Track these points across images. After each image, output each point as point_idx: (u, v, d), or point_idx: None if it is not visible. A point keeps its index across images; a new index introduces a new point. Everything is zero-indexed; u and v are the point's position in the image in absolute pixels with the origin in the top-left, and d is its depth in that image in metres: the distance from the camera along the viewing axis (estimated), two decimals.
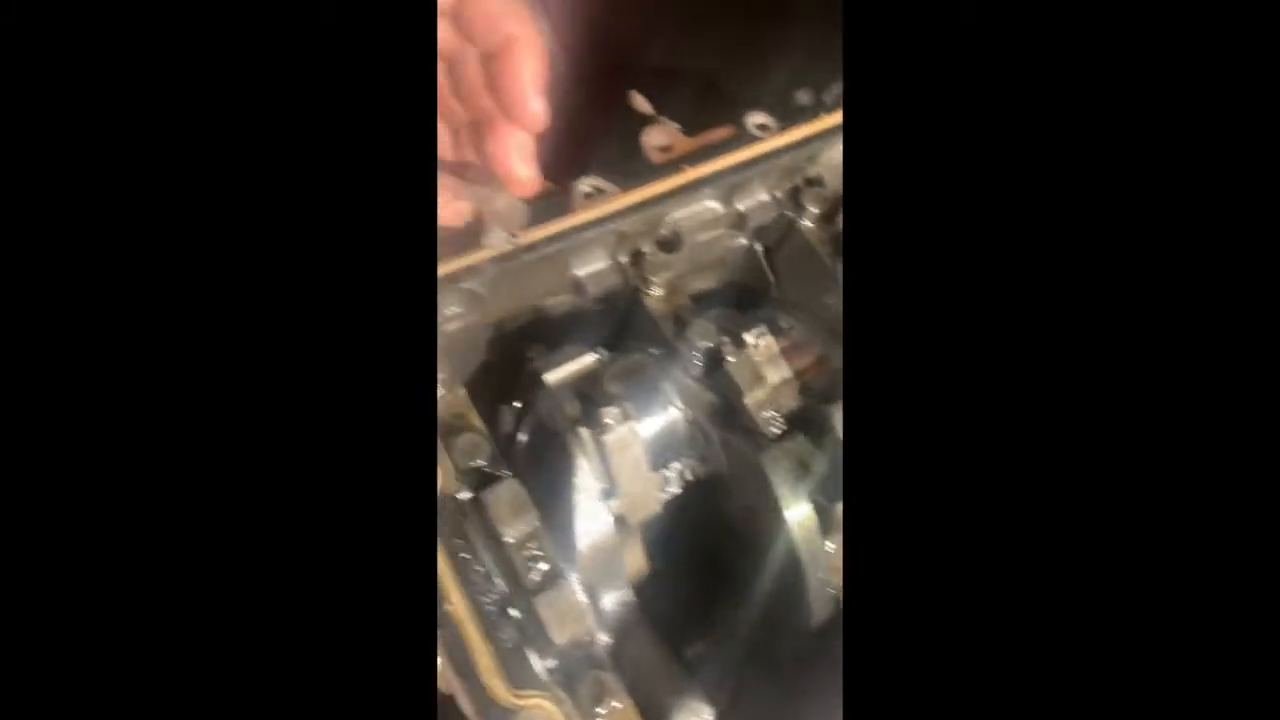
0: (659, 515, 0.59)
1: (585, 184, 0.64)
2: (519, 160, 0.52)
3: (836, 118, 0.70)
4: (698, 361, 0.62)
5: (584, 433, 0.55)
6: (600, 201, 0.64)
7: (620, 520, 0.57)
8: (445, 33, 0.49)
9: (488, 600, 0.48)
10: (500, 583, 0.49)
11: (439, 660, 0.51)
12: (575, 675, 0.49)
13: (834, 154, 0.71)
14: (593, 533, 0.55)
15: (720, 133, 0.70)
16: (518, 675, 0.46)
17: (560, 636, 0.48)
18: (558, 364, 0.59)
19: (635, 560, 0.61)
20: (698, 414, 0.60)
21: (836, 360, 0.63)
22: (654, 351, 0.62)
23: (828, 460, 0.58)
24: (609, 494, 0.56)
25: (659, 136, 0.69)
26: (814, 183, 0.70)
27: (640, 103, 0.74)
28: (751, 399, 0.58)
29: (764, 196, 0.71)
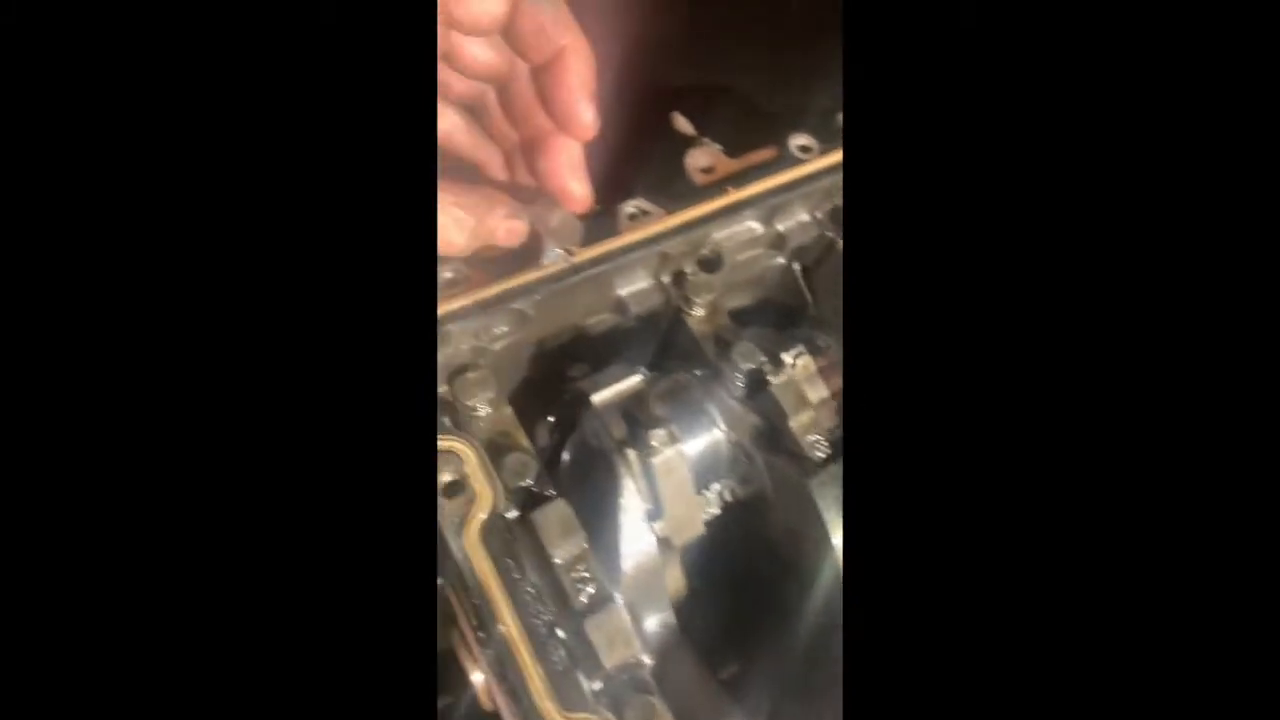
0: (701, 536, 0.59)
1: (630, 205, 0.65)
2: (572, 176, 0.53)
3: None
4: (740, 382, 0.62)
5: (630, 454, 0.56)
6: (645, 223, 0.64)
7: (665, 542, 0.57)
8: (494, 53, 0.50)
9: (539, 622, 0.48)
10: (549, 604, 0.50)
11: (486, 679, 0.52)
12: (621, 698, 0.49)
13: None
14: (637, 554, 0.55)
15: (763, 154, 0.70)
16: (568, 697, 0.47)
17: (610, 660, 0.48)
18: (603, 384, 0.59)
19: (674, 581, 0.61)
20: (741, 435, 0.60)
21: None
22: (697, 372, 0.62)
23: None
24: (654, 515, 0.56)
25: (702, 158, 0.70)
26: None
27: (682, 124, 0.75)
28: (797, 422, 0.58)
29: (804, 217, 0.71)
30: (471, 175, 0.55)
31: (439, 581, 0.56)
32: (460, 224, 0.48)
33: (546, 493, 0.55)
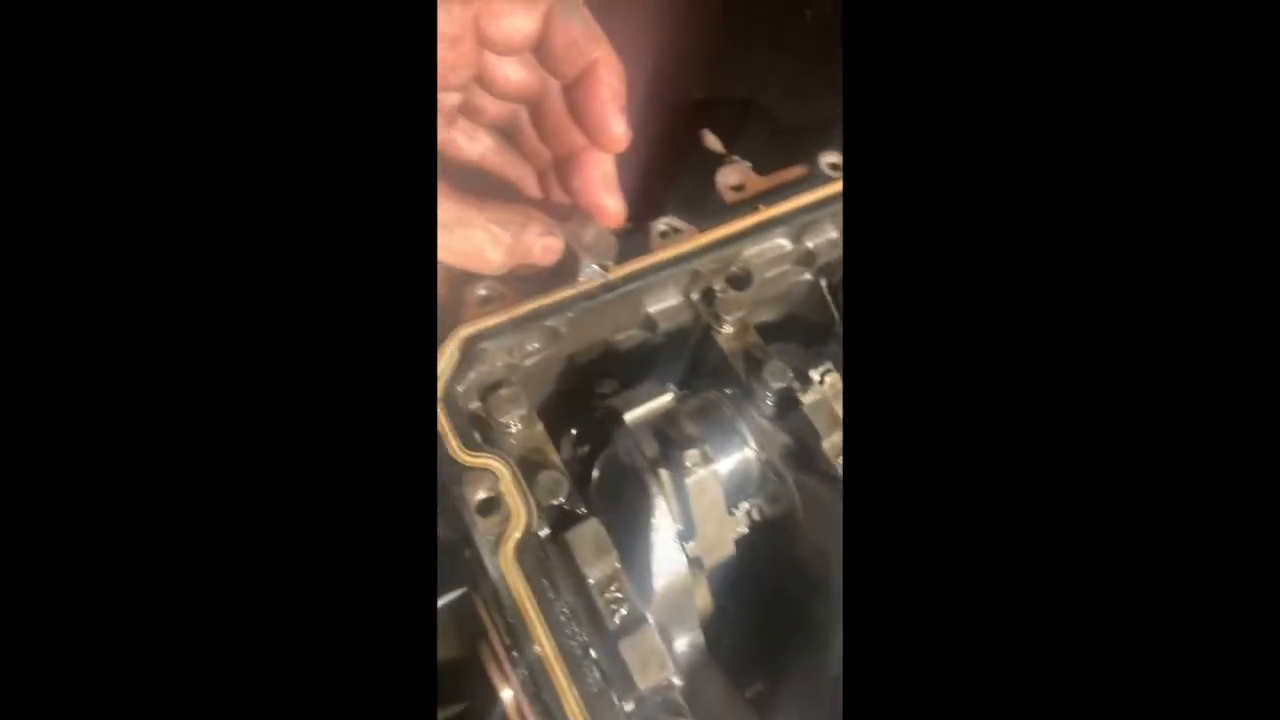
0: (732, 556, 0.59)
1: (662, 223, 0.65)
2: (605, 191, 0.53)
3: None
4: (770, 401, 0.62)
5: (663, 473, 0.56)
6: (677, 241, 0.64)
7: (696, 562, 0.57)
8: (526, 72, 0.50)
9: (574, 643, 0.48)
10: (583, 625, 0.50)
11: (516, 696, 0.52)
12: (654, 719, 0.49)
13: None
14: (669, 574, 0.55)
15: (793, 172, 0.70)
16: (602, 718, 0.47)
17: (644, 681, 0.48)
18: (634, 402, 0.59)
19: (702, 599, 0.61)
20: (771, 454, 0.60)
21: None
22: (727, 391, 0.62)
23: None
24: (685, 535, 0.56)
25: (732, 175, 0.70)
26: None
27: (712, 141, 0.75)
28: (829, 442, 0.58)
29: (833, 234, 0.71)
30: (507, 194, 0.55)
31: (465, 592, 0.56)
32: (497, 241, 0.48)
33: (578, 511, 0.55)
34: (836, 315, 0.73)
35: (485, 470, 0.53)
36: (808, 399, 0.60)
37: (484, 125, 0.54)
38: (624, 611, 0.50)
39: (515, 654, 0.50)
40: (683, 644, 0.57)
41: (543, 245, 0.51)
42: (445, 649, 0.65)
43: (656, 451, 0.57)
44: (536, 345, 0.61)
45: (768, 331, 0.68)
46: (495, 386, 0.58)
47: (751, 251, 0.68)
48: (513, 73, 0.50)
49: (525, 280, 0.58)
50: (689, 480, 0.55)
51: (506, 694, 0.54)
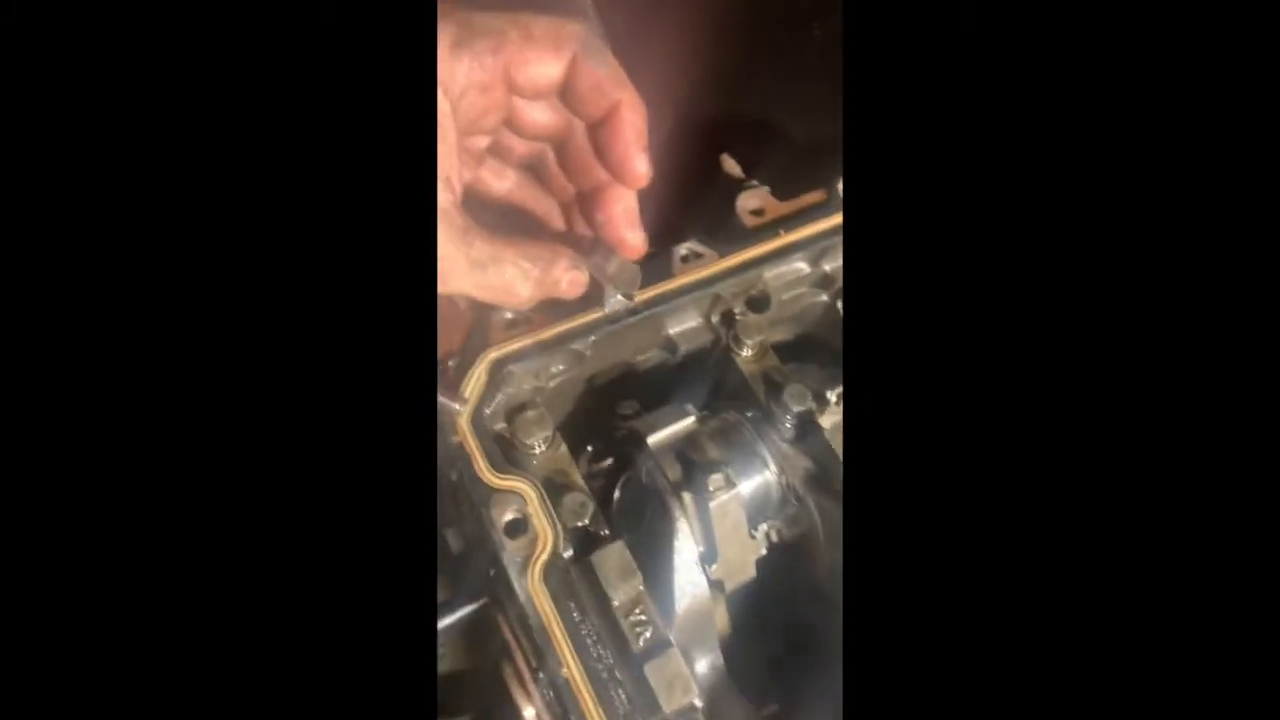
0: (752, 579, 0.60)
1: (684, 248, 0.66)
2: (628, 225, 0.54)
3: None
4: (790, 424, 0.63)
5: (686, 496, 0.57)
6: (698, 265, 0.66)
7: (717, 584, 0.58)
8: (552, 113, 0.52)
9: (600, 666, 0.49)
10: (609, 647, 0.50)
11: (538, 715, 0.52)
12: None
13: None
14: (691, 596, 0.56)
15: (812, 197, 0.71)
16: None
17: (669, 704, 0.49)
18: (657, 424, 0.60)
19: (721, 620, 0.61)
20: (791, 477, 0.61)
21: None
22: (748, 414, 0.63)
23: None
24: (707, 558, 0.57)
25: (752, 200, 0.71)
26: None
27: (731, 166, 0.76)
28: None
29: None
30: (532, 228, 0.57)
31: (484, 604, 0.57)
32: (526, 276, 0.50)
33: (601, 532, 0.56)
34: None
35: (513, 492, 0.54)
36: (827, 422, 0.61)
37: (511, 163, 0.56)
38: (648, 634, 0.51)
39: (541, 675, 0.51)
40: (703, 665, 0.57)
41: (569, 279, 0.52)
42: (464, 661, 0.66)
43: (679, 474, 0.58)
44: (561, 367, 0.62)
45: (784, 351, 0.69)
46: (521, 408, 0.58)
47: (770, 274, 0.69)
48: (540, 115, 0.52)
49: (549, 303, 0.59)
50: (712, 504, 0.55)
51: (529, 712, 0.55)
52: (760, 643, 0.63)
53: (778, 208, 0.71)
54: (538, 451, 0.58)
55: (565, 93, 0.50)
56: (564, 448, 0.60)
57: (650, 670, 0.49)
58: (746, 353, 0.66)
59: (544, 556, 0.52)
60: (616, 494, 0.62)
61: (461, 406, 0.56)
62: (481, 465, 0.54)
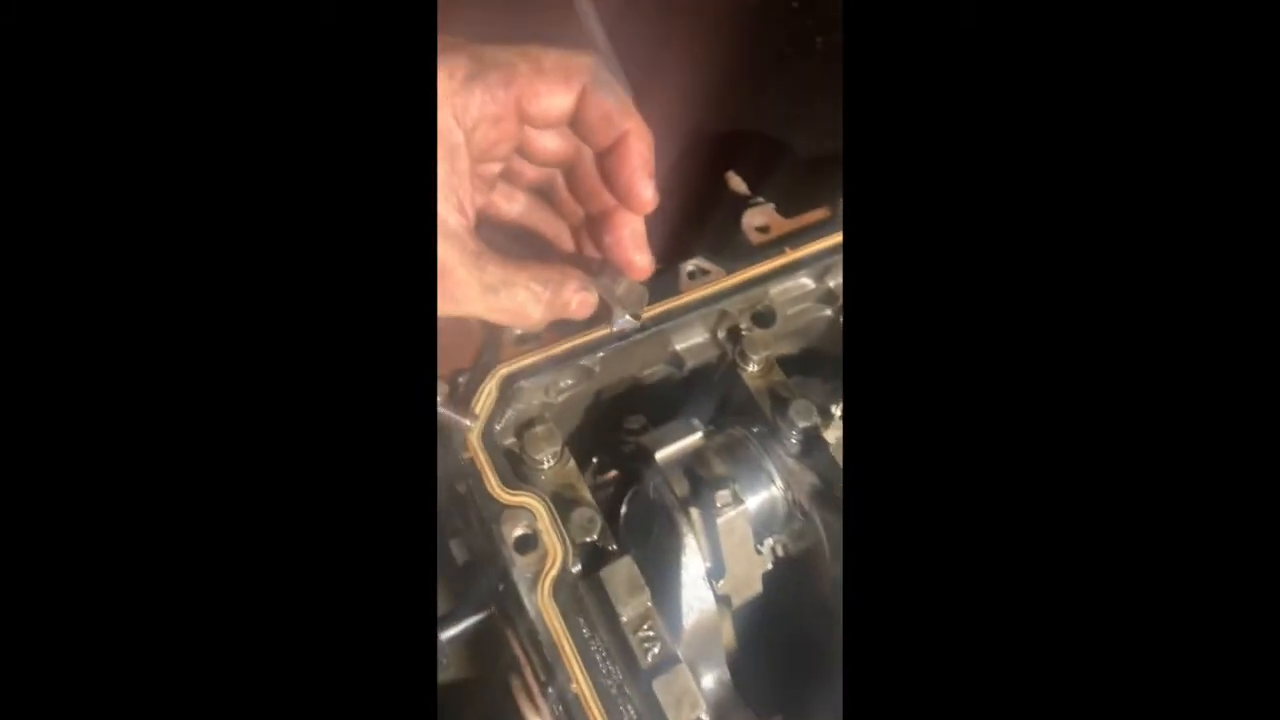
0: (759, 594, 0.60)
1: (690, 264, 0.67)
2: (635, 248, 0.55)
3: None
4: (795, 439, 0.63)
5: (694, 512, 0.57)
6: (705, 282, 0.66)
7: (724, 600, 0.58)
8: (562, 141, 0.53)
9: (609, 681, 0.50)
10: (618, 663, 0.51)
11: None
12: None
13: None
14: (698, 612, 0.56)
15: (817, 214, 0.72)
16: None
17: None
18: (664, 440, 0.61)
19: (727, 635, 0.62)
20: (797, 493, 0.62)
21: None
22: (754, 429, 0.64)
23: None
24: (715, 573, 0.58)
25: (757, 217, 0.72)
26: None
27: (736, 183, 0.77)
28: None
29: None
30: (542, 248, 0.58)
31: (489, 615, 0.57)
32: (537, 299, 0.51)
33: (609, 547, 0.56)
34: None
35: (523, 508, 0.54)
36: (832, 437, 0.62)
37: (522, 187, 0.57)
38: (656, 650, 0.52)
39: (550, 690, 0.51)
40: (709, 680, 0.58)
41: (579, 300, 0.53)
42: (470, 672, 0.66)
43: (686, 490, 0.59)
44: (569, 382, 0.62)
45: (789, 365, 0.70)
46: (529, 424, 0.59)
47: (776, 290, 0.70)
48: (550, 142, 0.53)
49: (559, 321, 0.60)
50: (719, 520, 0.56)
51: None
52: (766, 657, 0.64)
53: (783, 224, 0.72)
54: (546, 467, 0.59)
55: (575, 122, 0.51)
56: (572, 463, 0.60)
57: (658, 686, 0.50)
58: (752, 368, 0.66)
59: (553, 572, 0.52)
60: (624, 509, 0.62)
61: (472, 422, 0.56)
62: (492, 481, 0.55)
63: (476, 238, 0.49)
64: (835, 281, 0.72)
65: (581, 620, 0.51)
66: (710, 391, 0.67)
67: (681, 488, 0.59)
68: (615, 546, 0.57)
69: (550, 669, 0.50)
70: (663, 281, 0.66)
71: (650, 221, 0.56)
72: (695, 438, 0.61)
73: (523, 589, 0.52)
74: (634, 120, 0.51)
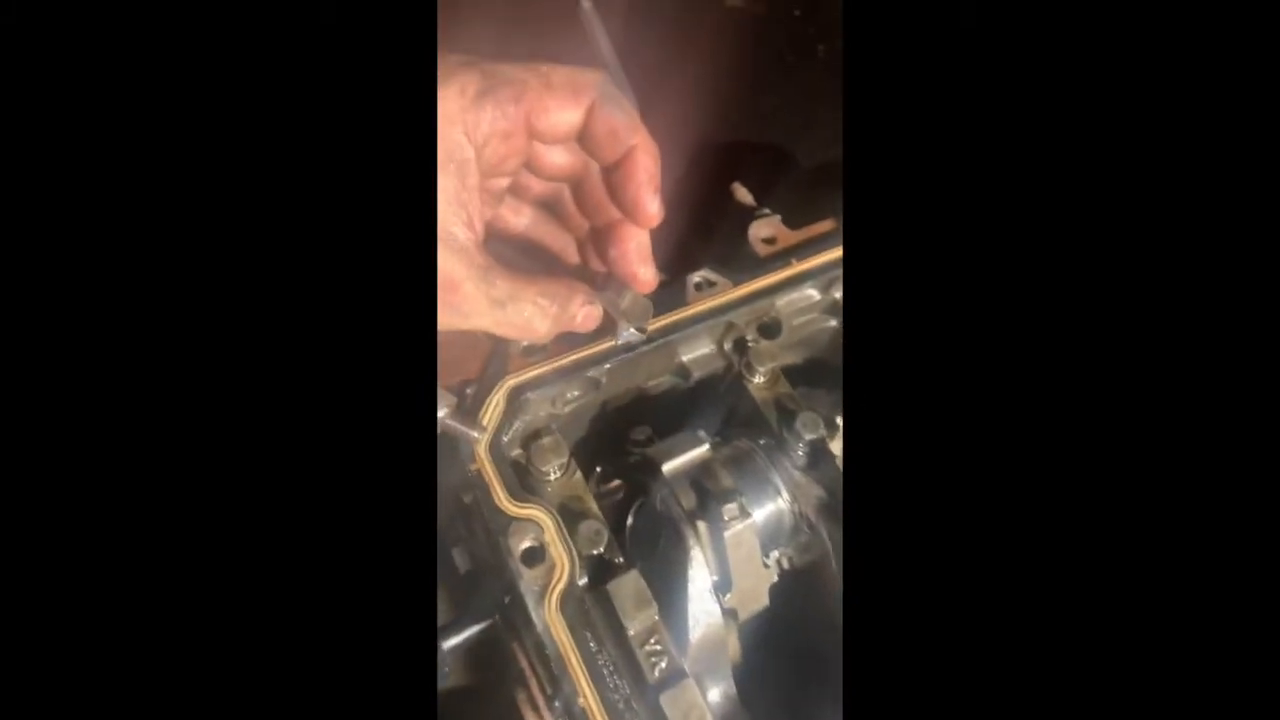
0: (765, 607, 0.60)
1: (697, 276, 0.67)
2: (640, 261, 0.56)
3: None
4: (802, 452, 0.63)
5: (701, 525, 0.57)
6: (711, 294, 0.66)
7: (731, 613, 0.58)
8: (570, 156, 0.54)
9: (617, 696, 0.49)
10: (625, 677, 0.51)
11: None
12: None
13: None
14: (705, 626, 0.56)
15: (823, 226, 0.72)
16: None
17: None
18: (671, 452, 0.61)
19: (733, 648, 0.62)
20: (804, 505, 0.62)
21: None
22: (761, 441, 0.64)
23: None
24: (721, 587, 0.57)
25: (764, 229, 0.72)
26: None
27: (743, 194, 0.77)
28: None
29: None
30: (548, 262, 0.58)
31: (491, 624, 0.57)
32: (544, 313, 0.51)
33: (615, 560, 0.56)
34: None
35: (530, 520, 0.54)
36: (838, 449, 0.62)
37: (529, 200, 0.57)
38: (663, 664, 0.51)
39: (556, 703, 0.51)
40: (715, 694, 0.58)
41: (584, 314, 0.54)
42: (472, 681, 0.66)
43: (693, 502, 0.59)
44: (576, 394, 0.62)
45: (794, 375, 0.70)
46: (536, 435, 0.59)
47: (782, 302, 0.70)
48: (558, 157, 0.54)
49: (565, 333, 0.60)
50: (727, 533, 0.56)
51: None
52: (772, 670, 0.64)
53: (789, 236, 0.72)
54: (553, 478, 0.58)
55: (583, 137, 0.52)
56: (579, 474, 0.60)
57: (666, 701, 0.50)
58: (758, 379, 0.66)
59: (561, 585, 0.52)
60: (630, 521, 0.62)
61: (480, 434, 0.56)
62: (499, 493, 0.55)
63: (484, 252, 0.49)
64: (840, 292, 0.72)
65: (589, 634, 0.51)
66: (716, 403, 0.67)
67: (688, 500, 0.59)
68: (621, 559, 0.57)
69: (557, 682, 0.50)
70: (669, 293, 0.66)
71: (655, 235, 0.56)
72: (702, 450, 0.61)
73: (530, 602, 0.52)
74: (641, 135, 0.52)
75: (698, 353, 0.68)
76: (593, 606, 0.53)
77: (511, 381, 0.59)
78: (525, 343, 0.60)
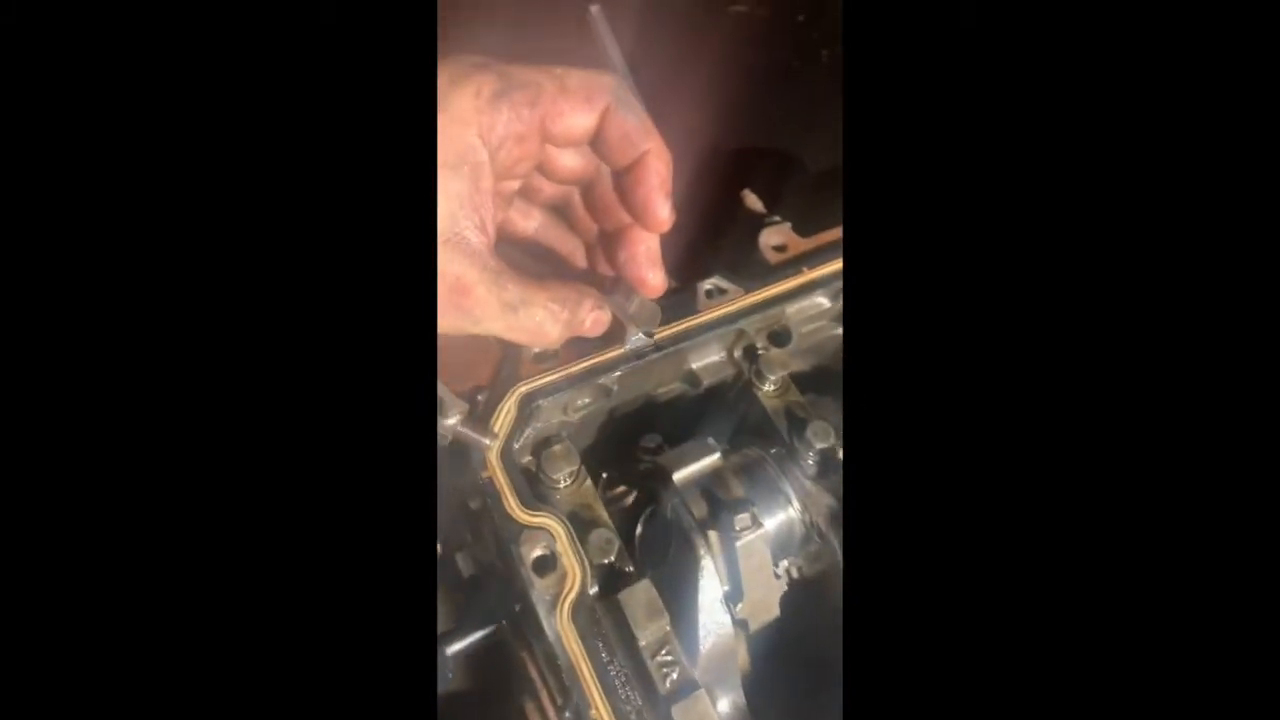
0: (776, 618, 0.60)
1: (708, 283, 0.67)
2: (649, 265, 0.55)
3: None
4: (813, 461, 0.63)
5: (712, 535, 0.57)
6: (722, 301, 0.66)
7: (741, 624, 0.58)
8: (582, 159, 0.53)
9: (628, 707, 0.49)
10: (636, 688, 0.50)
11: None
12: None
13: None
14: (716, 636, 0.56)
15: (833, 234, 0.72)
16: None
17: None
18: (682, 460, 0.61)
19: (742, 658, 0.61)
20: (815, 515, 0.61)
21: None
22: (772, 450, 0.64)
23: None
24: (733, 597, 0.57)
25: (774, 236, 0.72)
26: None
27: (753, 201, 0.77)
28: None
29: None
30: (555, 265, 0.58)
31: (494, 630, 0.56)
32: (555, 318, 0.51)
33: (626, 569, 0.56)
34: None
35: (542, 529, 0.54)
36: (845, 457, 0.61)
37: (538, 204, 0.57)
38: (674, 675, 0.51)
39: (567, 714, 0.51)
40: (724, 705, 0.57)
41: (593, 319, 0.53)
42: (476, 684, 0.66)
43: (704, 512, 0.58)
44: (587, 401, 0.62)
45: (802, 382, 0.69)
46: (546, 443, 0.59)
47: (792, 309, 0.70)
48: (570, 160, 0.53)
49: (575, 338, 0.60)
50: (739, 543, 0.56)
51: None
52: (781, 680, 0.63)
53: (800, 244, 0.72)
54: (563, 486, 0.58)
55: (596, 141, 0.51)
56: (589, 482, 0.60)
57: (678, 712, 0.49)
58: (769, 388, 0.66)
59: (573, 594, 0.52)
60: (639, 529, 0.62)
61: (492, 441, 0.56)
62: (511, 501, 0.54)
63: (496, 256, 0.48)
64: None
65: (600, 644, 0.51)
66: (727, 411, 0.67)
67: (700, 509, 0.58)
68: (632, 568, 0.56)
69: (567, 692, 0.50)
70: (680, 300, 0.65)
71: (664, 240, 0.56)
72: (713, 458, 0.61)
73: (542, 611, 0.51)
74: (654, 140, 0.52)
75: (707, 360, 0.68)
76: (603, 616, 0.53)
77: (523, 388, 0.58)
78: (536, 349, 0.60)
